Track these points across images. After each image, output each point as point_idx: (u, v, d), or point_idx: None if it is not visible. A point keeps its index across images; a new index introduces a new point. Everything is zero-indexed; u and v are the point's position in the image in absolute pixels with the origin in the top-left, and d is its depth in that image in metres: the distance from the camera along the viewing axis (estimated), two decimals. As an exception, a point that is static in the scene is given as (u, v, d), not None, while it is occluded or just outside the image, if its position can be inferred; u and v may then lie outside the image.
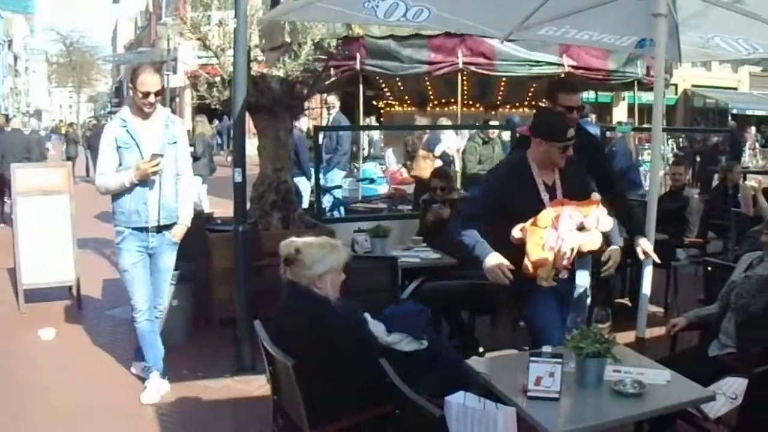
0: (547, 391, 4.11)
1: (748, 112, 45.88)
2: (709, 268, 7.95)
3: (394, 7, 6.68)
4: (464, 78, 17.10)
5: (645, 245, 6.33)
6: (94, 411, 6.89)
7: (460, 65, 16.12)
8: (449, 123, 15.67)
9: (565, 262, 5.52)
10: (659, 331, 6.84)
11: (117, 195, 6.87)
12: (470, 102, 18.44)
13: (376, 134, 21.92)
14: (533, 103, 19.39)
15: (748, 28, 7.48)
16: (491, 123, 16.52)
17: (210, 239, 9.23)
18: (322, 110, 16.63)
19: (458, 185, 12.95)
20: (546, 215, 5.43)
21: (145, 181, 6.83)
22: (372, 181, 17.26)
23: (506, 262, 5.62)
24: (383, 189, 16.75)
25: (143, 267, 7.08)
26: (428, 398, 4.02)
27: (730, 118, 40.83)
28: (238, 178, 7.57)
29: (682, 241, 10.29)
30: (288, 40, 10.36)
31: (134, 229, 6.93)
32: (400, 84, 18.22)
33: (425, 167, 11.95)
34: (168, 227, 7.10)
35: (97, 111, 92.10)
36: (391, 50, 16.55)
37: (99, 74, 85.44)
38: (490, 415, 3.89)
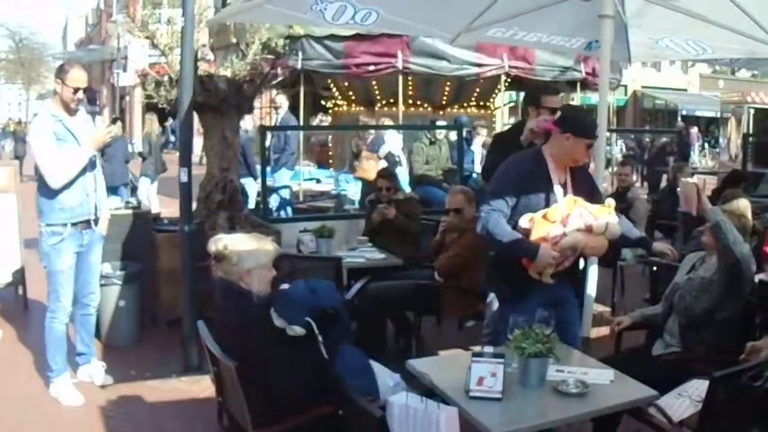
0: (490, 391, 4.13)
1: (698, 113, 46.36)
2: (655, 268, 8.01)
3: (342, 9, 6.70)
4: (409, 79, 17.09)
5: (661, 246, 6.36)
6: (38, 413, 6.82)
7: (400, 66, 16.07)
8: (393, 123, 15.67)
9: (566, 262, 5.50)
10: (605, 330, 6.89)
11: (54, 192, 6.75)
12: (417, 102, 18.46)
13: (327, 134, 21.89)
14: (480, 103, 19.44)
15: (696, 30, 7.55)
16: (438, 123, 16.46)
17: (156, 239, 9.19)
18: (270, 110, 16.55)
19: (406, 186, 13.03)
20: (557, 210, 5.39)
21: (83, 173, 6.79)
22: (318, 181, 17.28)
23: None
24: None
25: (75, 266, 7.05)
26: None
27: (679, 119, 41.21)
28: (184, 178, 7.52)
29: (628, 240, 10.36)
30: (235, 40, 10.33)
31: (74, 225, 6.85)
32: (346, 84, 18.19)
33: (369, 168, 11.99)
34: (96, 221, 7.07)
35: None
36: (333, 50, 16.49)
37: (49, 71, 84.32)
38: (431, 415, 3.89)
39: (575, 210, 5.37)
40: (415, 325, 8.20)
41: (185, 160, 7.63)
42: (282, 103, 14.75)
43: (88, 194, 6.89)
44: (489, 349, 4.36)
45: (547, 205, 5.45)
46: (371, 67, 16.10)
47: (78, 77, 6.73)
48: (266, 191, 11.54)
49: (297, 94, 16.94)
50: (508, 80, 17.93)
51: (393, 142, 14.55)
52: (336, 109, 19.46)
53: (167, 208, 13.91)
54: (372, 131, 15.22)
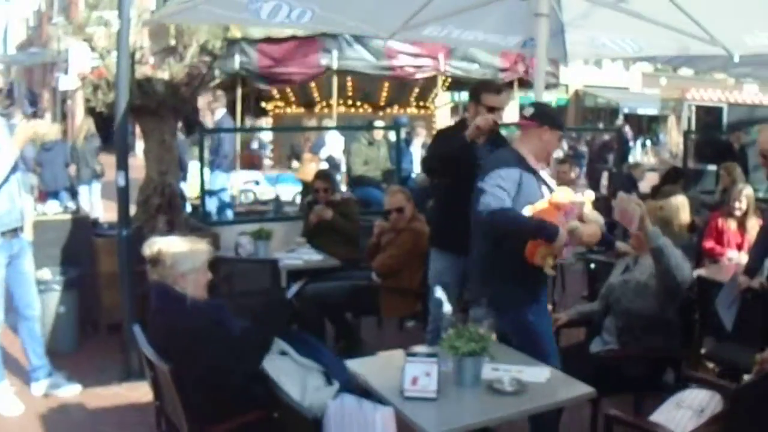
0: (424, 391, 4.14)
1: (639, 111, 46.71)
2: (593, 266, 8.08)
3: (278, 8, 6.69)
4: (348, 79, 17.07)
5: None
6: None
7: (335, 66, 16.04)
8: (333, 124, 15.66)
9: (565, 251, 5.45)
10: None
11: None
12: (357, 103, 18.44)
13: (267, 136, 21.73)
14: (420, 103, 19.46)
15: (634, 28, 7.61)
16: (376, 124, 16.44)
17: (95, 244, 9.10)
18: (207, 112, 16.48)
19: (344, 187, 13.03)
20: (562, 194, 5.39)
21: (7, 179, 6.66)
22: (257, 183, 17.22)
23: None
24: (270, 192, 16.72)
25: (7, 278, 6.93)
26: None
27: (620, 117, 41.50)
28: (121, 182, 7.47)
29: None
30: (173, 42, 10.25)
31: (3, 234, 6.72)
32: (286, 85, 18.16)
33: (311, 170, 11.97)
34: (22, 228, 6.97)
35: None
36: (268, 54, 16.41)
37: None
38: (367, 416, 3.90)
39: (567, 201, 5.38)
40: (354, 326, 8.22)
41: (122, 164, 7.56)
42: (218, 105, 14.63)
43: (15, 200, 6.77)
44: (422, 348, 4.37)
45: (537, 199, 5.40)
46: (311, 70, 16.08)
47: None
48: (204, 194, 11.47)
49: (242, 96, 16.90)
50: (448, 81, 17.95)
51: (333, 143, 14.55)
52: (276, 111, 19.42)
53: (112, 212, 13.80)
54: (314, 133, 15.21)
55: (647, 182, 16.62)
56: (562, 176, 11.32)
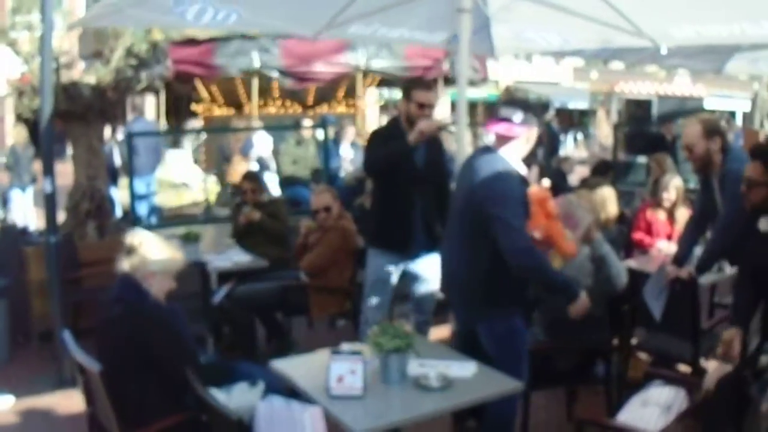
0: (351, 389, 4.14)
1: (570, 106, 47.06)
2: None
3: (203, 11, 6.64)
4: (271, 80, 17.05)
5: None
6: None
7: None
8: (261, 125, 15.57)
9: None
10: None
11: None
12: (285, 103, 18.35)
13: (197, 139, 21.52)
14: (349, 102, 19.41)
15: (561, 21, 7.64)
16: (305, 123, 16.32)
17: (25, 252, 8.97)
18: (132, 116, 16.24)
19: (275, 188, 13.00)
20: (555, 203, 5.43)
21: None
22: (186, 185, 17.10)
23: None
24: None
25: None
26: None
27: (550, 111, 41.79)
28: (48, 189, 7.39)
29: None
30: (100, 46, 10.17)
31: None
32: (213, 86, 18.01)
33: (240, 172, 11.93)
34: None
35: None
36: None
37: None
38: (296, 416, 3.90)
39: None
40: (285, 327, 8.22)
41: (48, 170, 7.48)
42: (140, 108, 14.43)
43: None
44: (348, 346, 4.37)
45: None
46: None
47: None
48: (134, 198, 11.37)
49: (169, 98, 16.75)
50: (376, 79, 17.94)
51: (262, 144, 14.48)
52: (206, 113, 19.26)
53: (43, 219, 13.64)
54: (242, 134, 15.12)
55: (577, 175, 16.78)
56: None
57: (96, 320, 5.10)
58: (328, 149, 12.53)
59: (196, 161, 16.40)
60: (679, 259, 6.64)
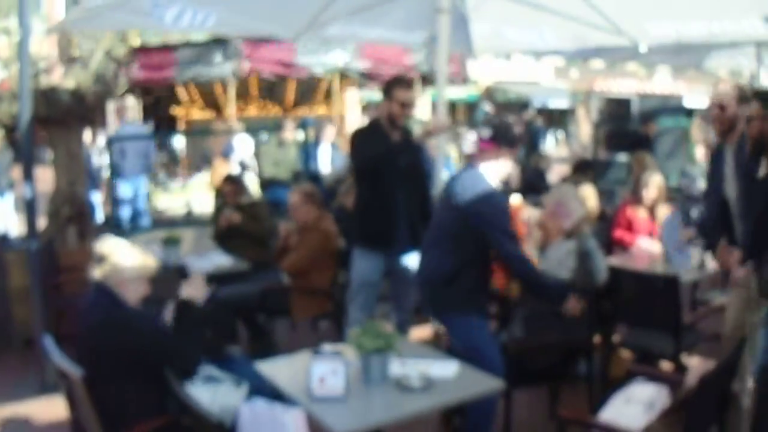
0: (332, 390, 4.14)
1: (551, 105, 47.06)
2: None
3: (182, 13, 6.66)
4: (251, 81, 17.04)
5: None
6: None
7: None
8: (242, 128, 15.55)
9: None
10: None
11: None
12: (264, 105, 18.34)
13: (179, 143, 21.48)
14: (329, 103, 19.40)
15: (539, 20, 7.67)
16: (286, 124, 16.32)
17: (5, 258, 8.93)
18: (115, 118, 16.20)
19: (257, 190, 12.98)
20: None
21: None
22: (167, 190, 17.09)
23: None
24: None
25: None
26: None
27: (530, 110, 41.75)
28: (28, 194, 7.36)
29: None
30: (78, 51, 10.14)
31: None
32: (191, 89, 17.97)
33: (222, 176, 11.93)
34: None
35: None
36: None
37: None
38: (278, 418, 3.90)
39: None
40: (267, 328, 8.21)
41: (28, 176, 7.45)
42: (126, 112, 14.39)
43: None
44: (328, 347, 4.37)
45: None
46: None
47: None
48: (116, 202, 11.35)
49: (147, 101, 16.74)
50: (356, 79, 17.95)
51: (243, 147, 14.48)
52: (187, 117, 19.21)
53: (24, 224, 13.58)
54: (223, 137, 15.13)
55: (557, 173, 16.80)
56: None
57: (76, 327, 5.07)
58: (308, 151, 12.54)
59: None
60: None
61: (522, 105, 39.16)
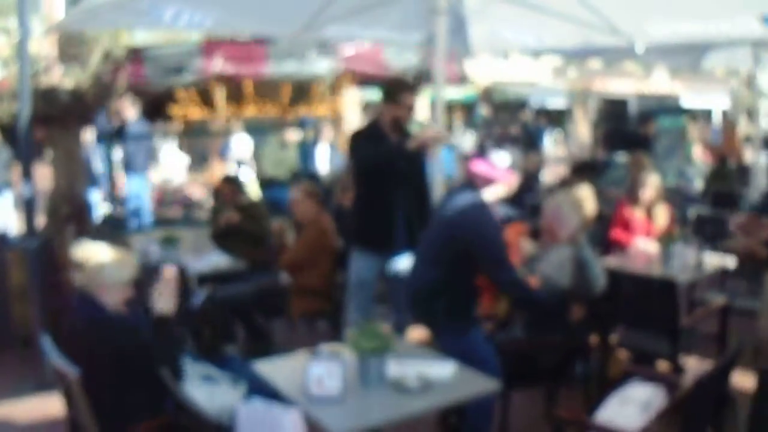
0: (329, 390, 4.14)
1: (549, 105, 47.04)
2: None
3: (180, 13, 6.66)
4: (247, 82, 17.05)
5: None
6: None
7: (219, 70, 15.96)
8: (241, 127, 15.55)
9: None
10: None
11: None
12: (262, 105, 18.33)
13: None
14: (326, 102, 19.40)
15: (537, 20, 7.67)
16: (285, 125, 16.32)
17: (4, 257, 8.95)
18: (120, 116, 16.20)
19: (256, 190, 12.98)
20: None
21: None
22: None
23: None
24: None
25: None
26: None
27: (527, 110, 41.69)
28: (27, 193, 7.38)
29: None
30: (77, 51, 10.13)
31: None
32: (188, 89, 17.97)
33: (219, 175, 11.94)
34: None
35: None
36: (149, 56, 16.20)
37: None
38: (276, 418, 3.91)
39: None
40: (266, 328, 8.22)
41: (27, 174, 7.46)
42: (124, 111, 14.38)
43: None
44: (326, 347, 4.38)
45: None
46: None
47: None
48: (114, 202, 11.35)
49: (149, 102, 16.70)
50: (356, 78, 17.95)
51: (240, 146, 14.48)
52: (183, 116, 19.20)
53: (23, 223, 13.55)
54: (220, 137, 15.14)
55: (553, 174, 16.80)
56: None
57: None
58: (306, 151, 12.55)
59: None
60: None
61: (519, 105, 39.09)
